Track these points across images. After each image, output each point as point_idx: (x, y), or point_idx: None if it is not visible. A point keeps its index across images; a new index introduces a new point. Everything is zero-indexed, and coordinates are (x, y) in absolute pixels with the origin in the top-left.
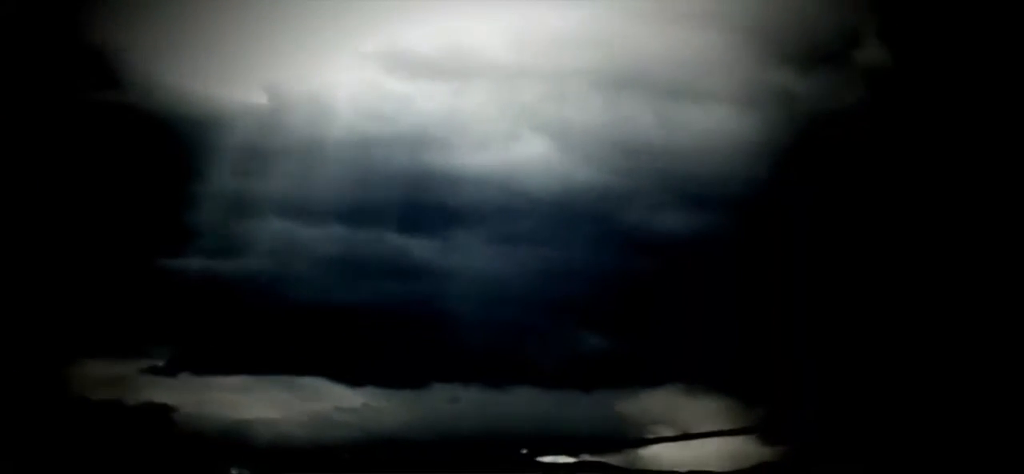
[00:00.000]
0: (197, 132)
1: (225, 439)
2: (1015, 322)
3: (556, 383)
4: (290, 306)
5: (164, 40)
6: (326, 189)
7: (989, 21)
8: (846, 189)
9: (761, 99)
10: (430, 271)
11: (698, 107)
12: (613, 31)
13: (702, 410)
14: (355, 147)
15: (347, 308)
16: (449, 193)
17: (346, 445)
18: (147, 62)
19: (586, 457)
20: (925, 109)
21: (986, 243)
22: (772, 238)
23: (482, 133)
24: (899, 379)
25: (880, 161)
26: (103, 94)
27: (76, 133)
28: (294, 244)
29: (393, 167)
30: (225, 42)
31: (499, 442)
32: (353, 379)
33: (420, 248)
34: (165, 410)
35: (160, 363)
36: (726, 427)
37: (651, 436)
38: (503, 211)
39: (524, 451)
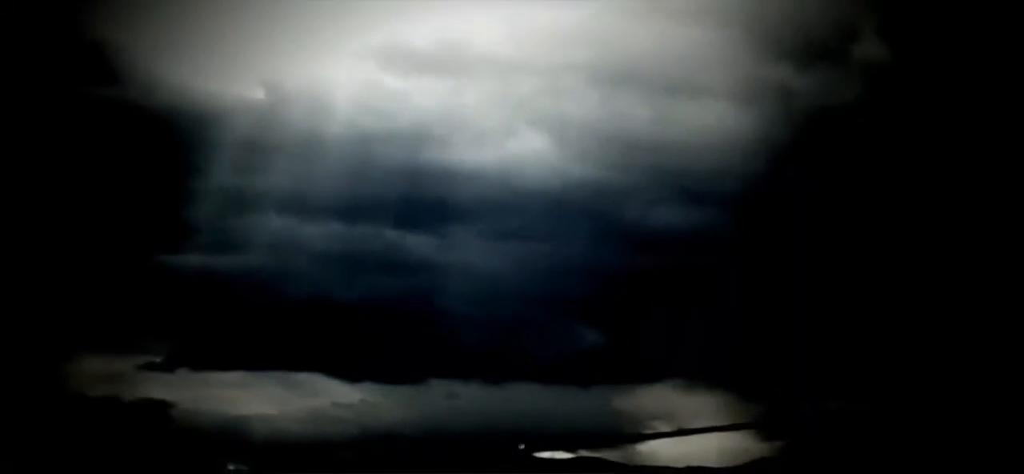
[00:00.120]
0: (196, 128)
1: (223, 434)
2: (1014, 318)
3: (553, 379)
4: (288, 302)
5: (163, 37)
6: (324, 185)
7: (986, 17)
8: (843, 184)
9: (758, 95)
10: (427, 266)
11: (695, 103)
12: (610, 27)
13: (699, 406)
14: (353, 143)
15: (345, 304)
16: (446, 189)
17: (343, 440)
18: (147, 58)
19: (583, 452)
20: (922, 105)
21: (984, 239)
22: (769, 234)
23: (479, 129)
24: (896, 374)
25: (877, 157)
26: (103, 90)
27: (76, 129)
28: (292, 240)
29: (391, 163)
30: (224, 39)
31: (497, 437)
32: (350, 375)
33: (417, 244)
34: (163, 406)
35: (158, 359)
36: (723, 422)
37: (648, 432)
38: (500, 207)
39: (521, 446)
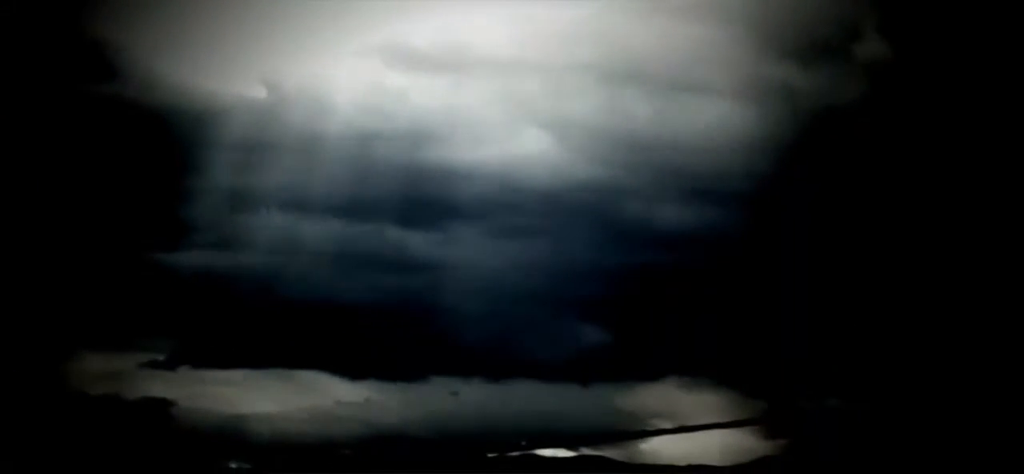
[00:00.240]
0: (197, 127)
1: (224, 434)
2: (1016, 315)
3: (555, 377)
4: (289, 300)
5: (163, 35)
6: (325, 184)
7: (988, 15)
8: (846, 183)
9: (761, 93)
10: (429, 265)
11: (697, 101)
12: (612, 25)
13: (701, 403)
14: (354, 142)
15: (346, 302)
16: (448, 187)
17: (345, 439)
18: (146, 57)
19: (585, 451)
20: (925, 103)
21: (986, 237)
22: (771, 232)
23: (481, 127)
24: (899, 373)
25: (880, 155)
26: (102, 89)
27: (76, 128)
28: (293, 238)
29: (392, 162)
30: (224, 37)
31: (498, 436)
32: (353, 373)
33: (419, 243)
34: (164, 404)
35: (160, 357)
36: (725, 420)
37: (650, 429)
38: (502, 205)
39: (523, 444)
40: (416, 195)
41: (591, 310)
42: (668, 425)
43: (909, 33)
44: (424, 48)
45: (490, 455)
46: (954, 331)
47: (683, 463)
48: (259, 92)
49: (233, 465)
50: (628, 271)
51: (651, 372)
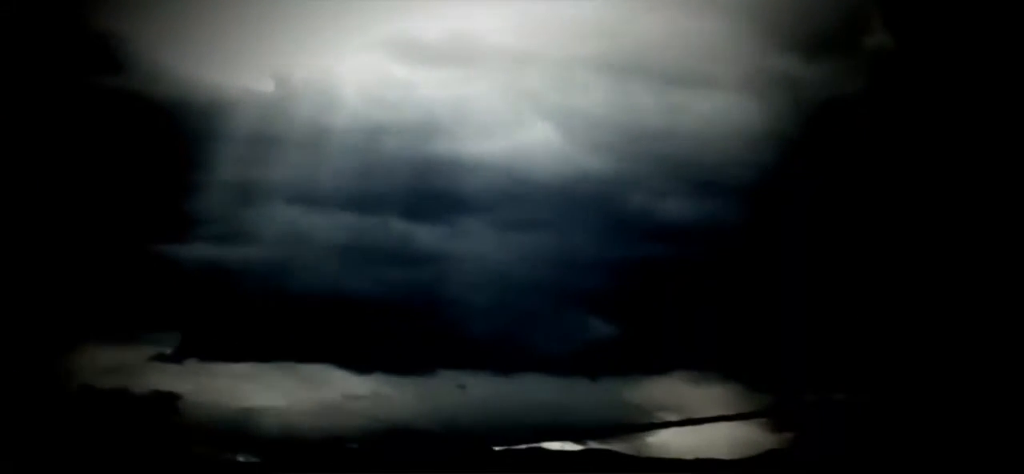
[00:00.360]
0: (204, 119)
1: (233, 426)
2: (1018, 309)
3: (562, 370)
4: (297, 293)
5: (171, 29)
6: (333, 176)
7: (992, 9)
8: (850, 176)
9: (766, 86)
10: (436, 257)
11: (703, 94)
12: (618, 19)
13: (708, 397)
14: (361, 134)
15: (354, 296)
16: (455, 180)
17: (353, 432)
18: (154, 50)
19: (592, 444)
20: (928, 97)
21: (989, 230)
22: (777, 224)
23: (488, 120)
24: (903, 366)
25: (884, 148)
26: (111, 81)
27: (84, 121)
28: (302, 231)
29: (399, 154)
30: (231, 30)
31: (506, 428)
32: (360, 367)
33: (426, 235)
34: (172, 398)
35: (167, 350)
36: (731, 413)
37: (657, 423)
38: (508, 198)
39: (531, 438)
40: (423, 188)
41: (598, 303)
42: (675, 418)
43: (912, 27)
44: (431, 42)
45: (497, 448)
46: (957, 325)
47: (690, 456)
48: (267, 86)
49: (241, 458)
50: (634, 264)
51: (658, 366)
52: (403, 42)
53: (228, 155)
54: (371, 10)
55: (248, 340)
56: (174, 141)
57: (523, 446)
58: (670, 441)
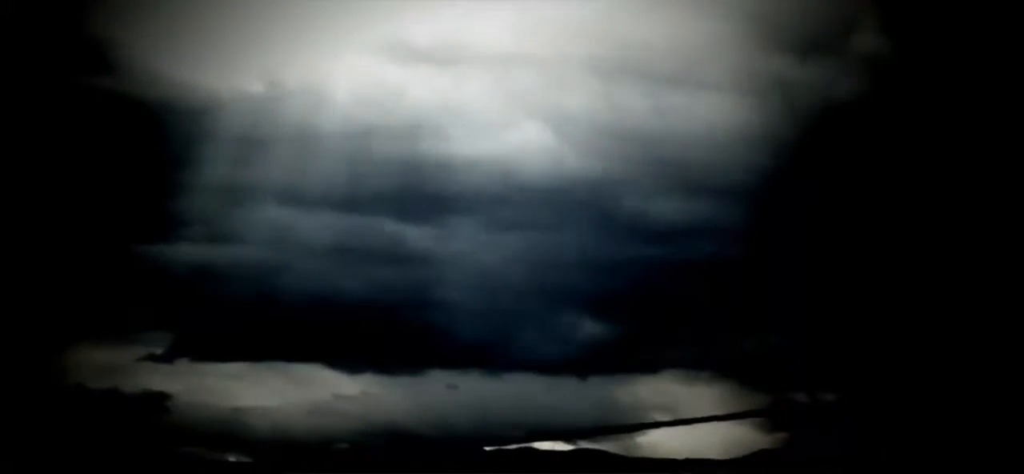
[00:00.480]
0: (195, 121)
1: (224, 426)
2: (1017, 311)
3: (552, 370)
4: (287, 294)
5: (162, 31)
6: (323, 177)
7: (987, 10)
8: (844, 178)
9: (759, 87)
10: (427, 258)
11: (695, 95)
12: (610, 19)
13: (699, 397)
14: (352, 135)
15: (344, 296)
16: (445, 181)
17: (343, 432)
18: (145, 52)
19: (583, 444)
20: (923, 98)
21: (986, 233)
22: (769, 226)
23: (479, 121)
24: (897, 366)
25: (878, 150)
26: (102, 84)
27: (75, 123)
28: (292, 232)
29: (390, 155)
30: (222, 32)
31: (497, 428)
32: (350, 367)
33: (417, 236)
34: (162, 398)
35: (158, 351)
36: (723, 413)
37: (648, 423)
38: (499, 199)
39: (521, 438)
40: (414, 189)
41: (589, 303)
42: (666, 418)
43: (907, 28)
44: (422, 42)
45: (488, 448)
46: (953, 326)
47: (681, 456)
48: (257, 87)
49: (231, 458)
50: (626, 264)
51: (649, 365)
52: (394, 43)
53: (218, 156)
54: (362, 12)
55: (239, 340)
56: (164, 143)
57: (514, 446)
58: (661, 441)
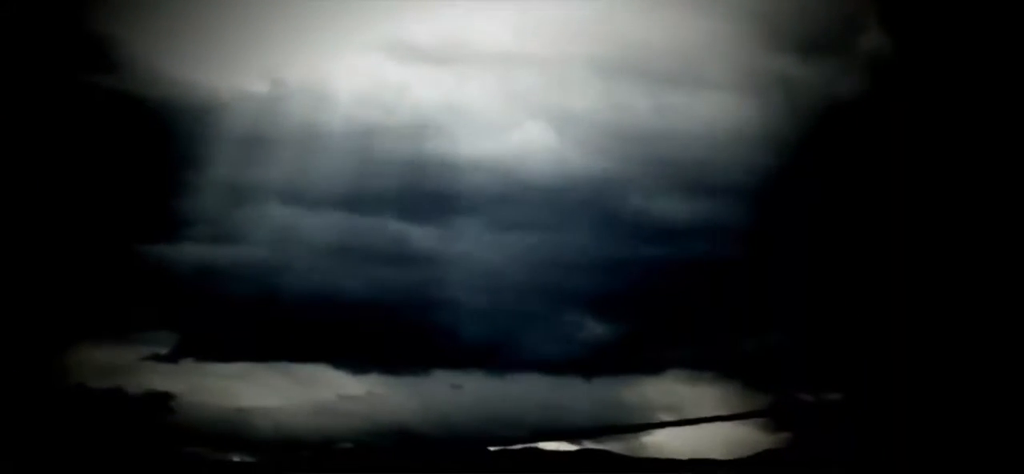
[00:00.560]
0: (200, 121)
1: (227, 426)
2: (1017, 310)
3: (557, 370)
4: (291, 294)
5: (166, 30)
6: (326, 177)
7: (989, 9)
8: (845, 177)
9: (761, 86)
10: (430, 258)
11: (697, 94)
12: (613, 19)
13: (703, 397)
14: (355, 135)
15: (348, 296)
16: (449, 181)
17: (347, 432)
18: (149, 52)
19: (588, 444)
20: (924, 97)
21: (987, 232)
22: (771, 225)
23: (482, 121)
24: (899, 366)
25: (879, 149)
26: (106, 83)
27: (79, 122)
28: (295, 231)
29: (393, 155)
30: (226, 31)
31: (501, 429)
32: (354, 367)
33: (420, 235)
34: (166, 398)
35: (162, 351)
36: (727, 413)
37: (652, 423)
38: (503, 198)
39: (525, 438)
40: (417, 189)
41: (593, 303)
42: (670, 418)
43: (909, 27)
44: (424, 42)
45: (492, 448)
46: (954, 325)
47: (686, 457)
48: (260, 87)
49: (235, 458)
50: (629, 264)
51: (652, 365)
52: (398, 43)
53: (221, 156)
54: (366, 12)
55: (243, 340)
56: (168, 142)
57: (518, 446)
58: (666, 441)
